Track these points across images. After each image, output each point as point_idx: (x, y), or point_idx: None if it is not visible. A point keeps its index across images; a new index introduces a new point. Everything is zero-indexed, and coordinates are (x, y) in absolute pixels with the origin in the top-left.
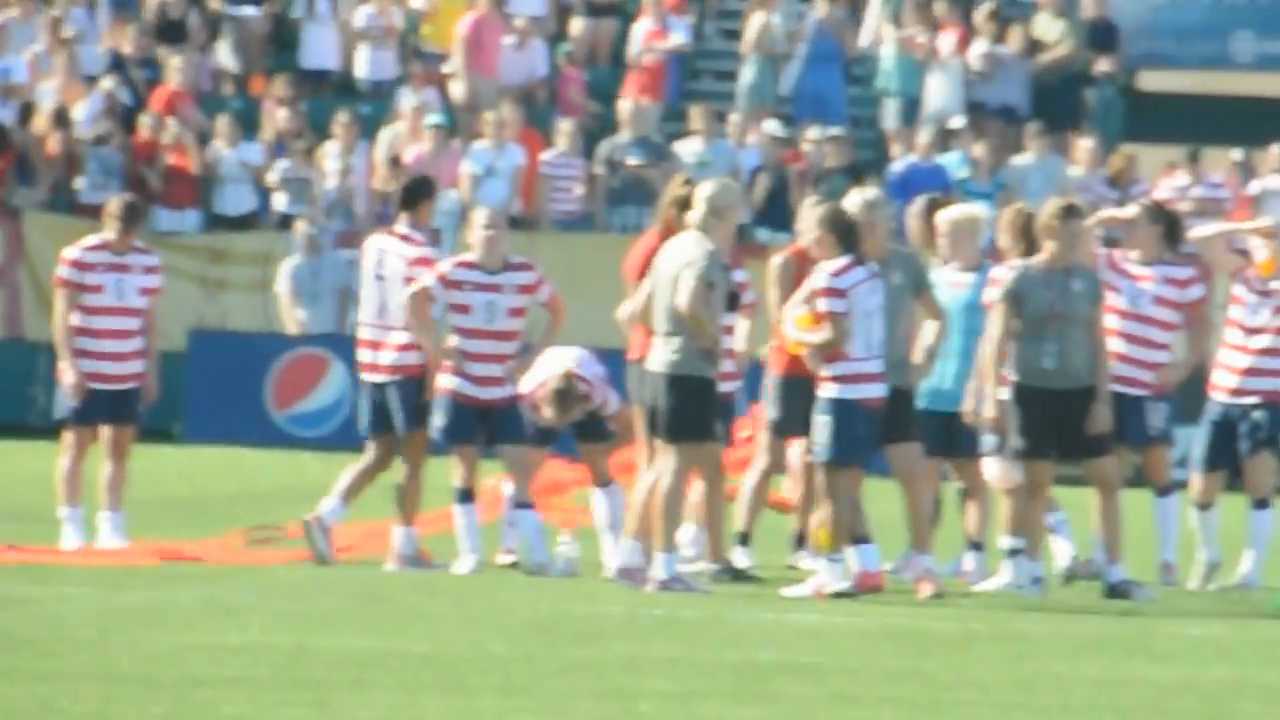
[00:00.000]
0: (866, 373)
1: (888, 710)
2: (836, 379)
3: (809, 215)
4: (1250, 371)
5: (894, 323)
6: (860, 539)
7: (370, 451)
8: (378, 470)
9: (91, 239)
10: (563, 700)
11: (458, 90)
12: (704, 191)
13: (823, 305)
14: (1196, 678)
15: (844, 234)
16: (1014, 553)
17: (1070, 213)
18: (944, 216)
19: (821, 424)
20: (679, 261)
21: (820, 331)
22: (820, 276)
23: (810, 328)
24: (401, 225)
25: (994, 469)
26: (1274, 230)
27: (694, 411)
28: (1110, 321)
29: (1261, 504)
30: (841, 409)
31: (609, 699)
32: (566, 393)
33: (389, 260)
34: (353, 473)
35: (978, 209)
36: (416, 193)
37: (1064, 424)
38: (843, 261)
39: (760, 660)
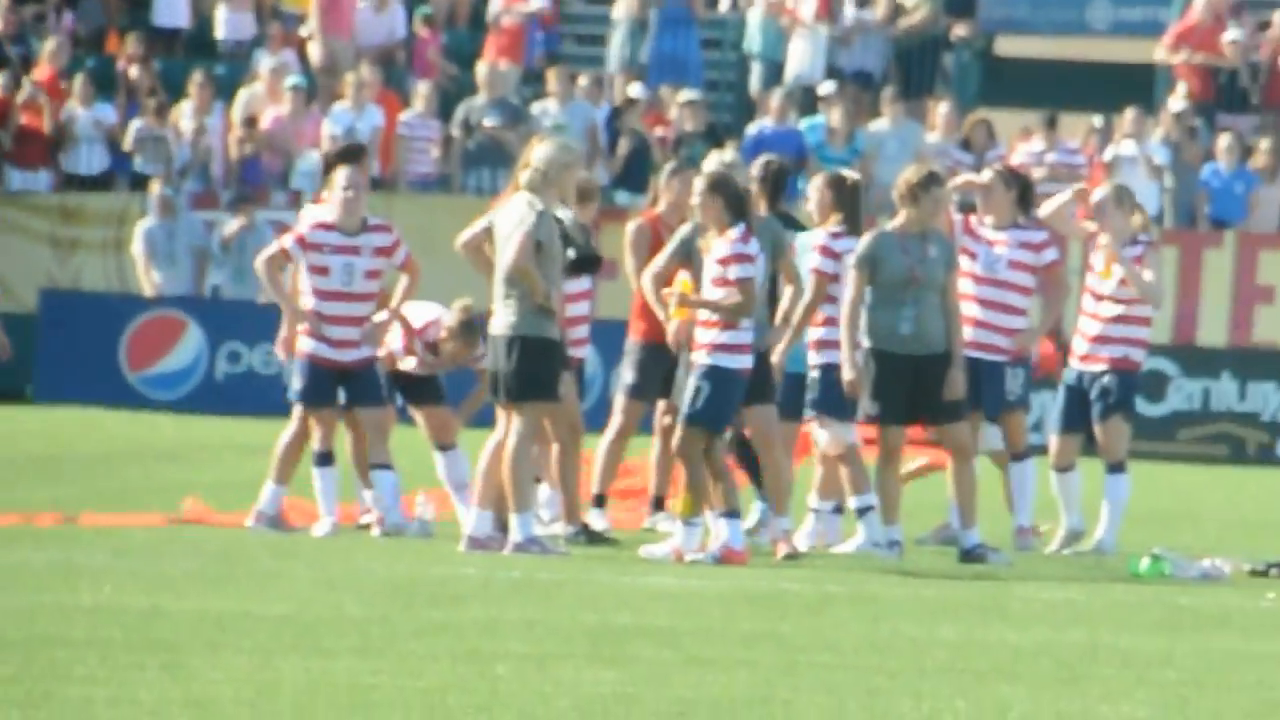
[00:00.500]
0: (745, 343)
1: (744, 673)
2: (720, 347)
3: (694, 181)
4: (1100, 339)
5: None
6: (729, 513)
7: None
8: (367, 436)
9: None
10: (419, 662)
11: (315, 52)
12: (538, 154)
13: (734, 272)
14: (1052, 641)
15: (733, 200)
16: (863, 511)
17: (932, 180)
18: (818, 181)
19: (699, 390)
20: (511, 223)
21: (730, 296)
22: (724, 244)
23: (693, 294)
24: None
25: (823, 433)
26: (1103, 205)
27: (537, 372)
28: (966, 287)
29: (1115, 469)
30: (722, 378)
31: (466, 661)
32: (470, 324)
33: None
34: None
35: (853, 173)
36: (344, 159)
37: (918, 389)
38: (743, 229)
39: (616, 623)
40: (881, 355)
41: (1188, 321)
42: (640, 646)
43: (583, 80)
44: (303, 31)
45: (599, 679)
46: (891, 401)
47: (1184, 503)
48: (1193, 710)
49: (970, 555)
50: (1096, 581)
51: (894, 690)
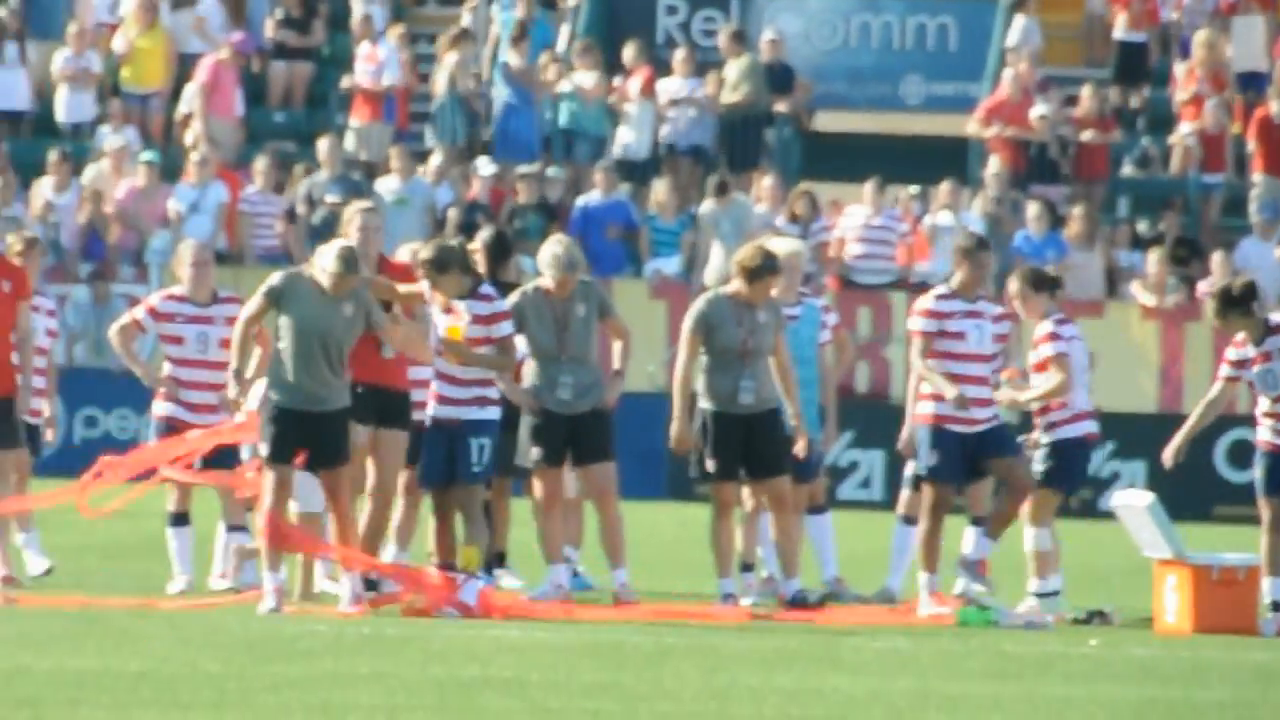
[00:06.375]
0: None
1: None
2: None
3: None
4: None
5: (585, 348)
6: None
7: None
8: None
9: None
10: (273, 714)
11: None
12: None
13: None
14: (883, 689)
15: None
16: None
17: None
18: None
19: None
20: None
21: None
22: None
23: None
24: None
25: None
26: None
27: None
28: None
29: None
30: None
31: (318, 713)
32: None
33: None
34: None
35: (799, 244)
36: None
37: (750, 446)
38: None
39: (464, 675)
40: (719, 417)
41: None
42: (488, 698)
43: (434, 159)
44: (183, 109)
45: None
46: (728, 459)
47: (1009, 552)
48: None
49: (793, 602)
50: (923, 632)
51: None
